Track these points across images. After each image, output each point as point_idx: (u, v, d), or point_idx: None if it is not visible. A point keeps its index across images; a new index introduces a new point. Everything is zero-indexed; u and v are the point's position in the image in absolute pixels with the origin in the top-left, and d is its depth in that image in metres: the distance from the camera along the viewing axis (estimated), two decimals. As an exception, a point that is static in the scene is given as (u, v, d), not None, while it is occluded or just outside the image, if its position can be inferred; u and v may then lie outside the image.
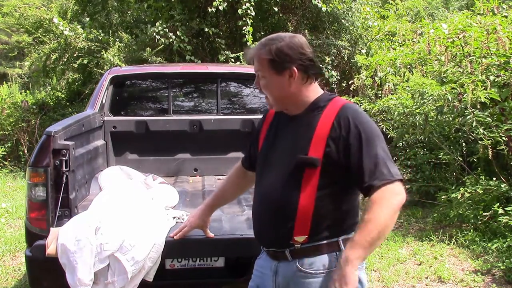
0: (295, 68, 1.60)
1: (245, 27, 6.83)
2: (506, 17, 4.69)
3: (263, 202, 1.67)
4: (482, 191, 4.33)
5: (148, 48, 7.01)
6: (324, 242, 1.60)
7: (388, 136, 6.00)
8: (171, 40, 7.02)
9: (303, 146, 1.58)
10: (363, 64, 6.25)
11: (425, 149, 5.95)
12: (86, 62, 7.59)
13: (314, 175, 1.56)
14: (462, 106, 4.34)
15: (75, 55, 7.84)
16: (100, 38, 7.68)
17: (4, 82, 10.46)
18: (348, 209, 1.64)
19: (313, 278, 1.59)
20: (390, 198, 1.47)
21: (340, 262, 1.48)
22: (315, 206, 1.56)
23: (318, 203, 1.56)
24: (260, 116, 1.93)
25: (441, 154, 5.32)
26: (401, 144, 6.02)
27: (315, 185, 1.56)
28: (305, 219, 1.57)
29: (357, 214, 1.68)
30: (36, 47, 9.00)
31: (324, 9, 7.31)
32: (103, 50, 7.35)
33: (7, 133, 8.22)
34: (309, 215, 1.57)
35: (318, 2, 7.23)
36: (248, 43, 6.84)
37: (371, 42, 7.82)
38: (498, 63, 4.39)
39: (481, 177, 4.62)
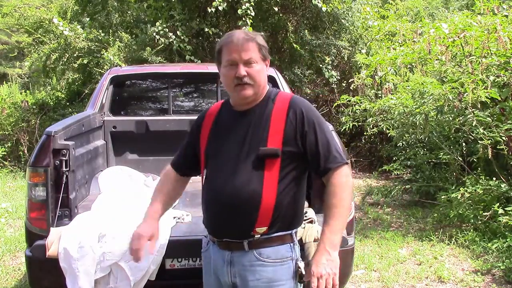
0: (269, 58, 1.73)
1: (244, 27, 6.83)
2: (506, 17, 4.69)
3: (220, 196, 1.67)
4: (482, 191, 4.33)
5: (148, 48, 7.01)
6: (281, 233, 1.67)
7: (388, 136, 6.01)
8: (171, 40, 7.03)
9: (260, 139, 1.65)
10: (363, 64, 6.25)
11: (425, 149, 5.95)
12: (86, 62, 7.59)
13: (275, 166, 1.63)
14: (462, 106, 4.34)
15: (75, 55, 7.84)
16: (100, 38, 7.68)
17: (4, 82, 10.45)
18: (300, 200, 1.74)
19: (271, 266, 1.66)
20: (346, 181, 1.66)
21: (325, 248, 1.58)
22: (277, 196, 1.63)
23: (279, 194, 1.64)
24: None
25: (441, 154, 5.32)
26: (401, 144, 6.02)
27: (276, 176, 1.64)
28: (267, 210, 1.63)
29: (304, 207, 1.80)
30: (36, 47, 8.99)
31: (324, 9, 7.30)
32: (103, 50, 7.35)
33: (7, 133, 8.22)
34: (272, 206, 1.63)
35: (318, 2, 7.22)
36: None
37: (371, 42, 7.82)
38: (498, 63, 4.39)
39: (481, 177, 4.62)
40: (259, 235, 1.65)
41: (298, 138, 1.65)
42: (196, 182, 3.80)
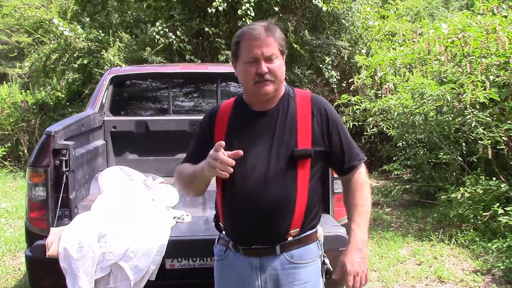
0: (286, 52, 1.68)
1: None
2: (505, 17, 4.69)
3: (253, 202, 1.59)
4: (482, 191, 4.33)
5: (148, 48, 7.01)
6: (309, 232, 1.68)
7: (388, 136, 6.01)
8: (171, 40, 7.03)
9: (289, 139, 1.61)
10: (363, 64, 6.26)
11: (425, 149, 5.95)
12: (86, 62, 7.59)
13: (306, 166, 1.61)
14: (462, 106, 4.34)
15: (75, 55, 7.85)
16: (100, 38, 7.69)
17: (4, 82, 10.47)
18: (320, 197, 1.73)
19: (303, 268, 1.65)
20: (367, 178, 1.72)
21: (357, 246, 1.61)
22: (308, 197, 1.62)
23: (310, 194, 1.62)
24: None
25: (441, 154, 5.32)
26: (401, 144, 6.03)
27: (308, 176, 1.61)
28: (301, 211, 1.61)
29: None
30: (36, 47, 9.01)
31: (324, 8, 7.30)
32: (103, 50, 7.35)
33: (7, 133, 8.23)
34: (304, 206, 1.62)
35: (318, 2, 7.22)
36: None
37: (371, 42, 7.83)
38: (497, 63, 4.39)
39: (481, 177, 4.62)
40: (291, 237, 1.62)
41: (325, 137, 1.65)
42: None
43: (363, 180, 1.70)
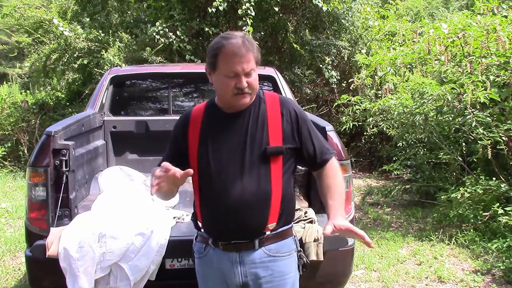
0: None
1: (245, 27, 6.82)
2: (506, 17, 4.69)
3: (230, 199, 1.66)
4: (482, 191, 4.33)
5: (148, 48, 7.01)
6: (285, 227, 1.76)
7: (388, 136, 6.01)
8: (171, 40, 7.03)
9: (261, 138, 1.70)
10: (363, 64, 6.26)
11: (425, 149, 5.95)
12: (86, 62, 7.59)
13: (278, 163, 1.70)
14: (462, 106, 4.34)
15: (75, 55, 7.84)
16: (100, 38, 7.68)
17: (4, 82, 10.47)
18: (293, 193, 1.82)
19: (282, 260, 1.75)
20: (338, 166, 1.81)
21: (338, 220, 1.62)
22: (282, 191, 1.71)
23: (284, 189, 1.71)
24: None
25: (441, 154, 5.32)
26: (401, 144, 6.03)
27: (280, 172, 1.70)
28: (276, 205, 1.70)
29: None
30: (36, 47, 9.00)
31: (324, 8, 7.29)
32: (103, 50, 7.34)
33: (7, 133, 8.23)
34: (279, 200, 1.70)
35: (318, 2, 7.21)
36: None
37: (371, 42, 7.82)
38: (498, 63, 4.39)
39: (481, 177, 4.62)
40: (269, 231, 1.70)
41: (295, 135, 1.73)
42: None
43: (337, 166, 1.78)
